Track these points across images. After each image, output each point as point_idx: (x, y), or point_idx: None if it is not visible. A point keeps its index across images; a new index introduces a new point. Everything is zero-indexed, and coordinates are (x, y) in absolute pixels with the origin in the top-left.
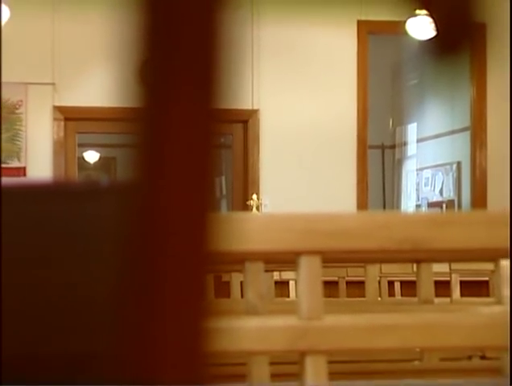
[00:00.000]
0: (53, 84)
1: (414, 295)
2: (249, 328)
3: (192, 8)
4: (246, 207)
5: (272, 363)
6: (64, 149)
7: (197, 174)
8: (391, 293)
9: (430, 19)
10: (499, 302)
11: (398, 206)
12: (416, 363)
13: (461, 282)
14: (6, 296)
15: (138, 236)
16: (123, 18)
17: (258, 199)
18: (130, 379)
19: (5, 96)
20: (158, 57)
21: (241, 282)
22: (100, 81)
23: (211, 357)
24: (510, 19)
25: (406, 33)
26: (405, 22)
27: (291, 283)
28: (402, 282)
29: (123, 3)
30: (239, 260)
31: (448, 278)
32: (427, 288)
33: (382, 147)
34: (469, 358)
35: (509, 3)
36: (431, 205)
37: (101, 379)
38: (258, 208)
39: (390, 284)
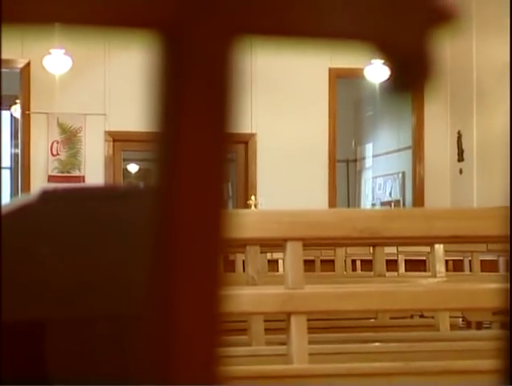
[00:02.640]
0: (104, 114)
1: (371, 270)
2: (249, 295)
3: (205, 46)
4: (247, 206)
5: (266, 321)
6: (112, 163)
7: (212, 180)
8: (354, 269)
9: (385, 66)
10: (434, 276)
11: (359, 204)
12: (372, 320)
13: (405, 261)
14: (66, 269)
15: (166, 227)
16: (153, 56)
17: (255, 199)
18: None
19: (68, 123)
20: (175, 87)
21: (243, 261)
22: (139, 111)
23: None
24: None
25: (364, 77)
26: (363, 69)
27: (280, 261)
28: (362, 261)
29: (152, 42)
30: (241, 245)
31: (396, 258)
32: (380, 265)
33: (347, 161)
34: (411, 317)
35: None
36: (383, 204)
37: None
38: (255, 206)
39: (353, 262)
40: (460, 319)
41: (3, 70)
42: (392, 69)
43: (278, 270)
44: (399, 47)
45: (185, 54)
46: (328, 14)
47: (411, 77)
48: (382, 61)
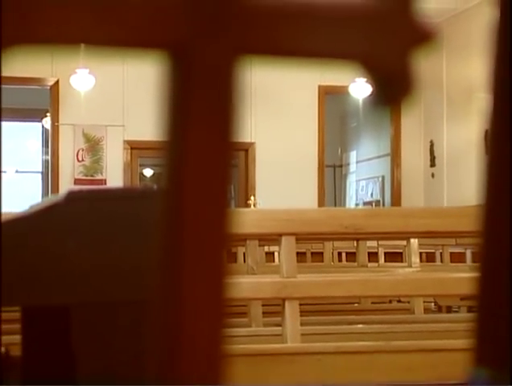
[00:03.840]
0: (123, 125)
1: (355, 261)
2: (249, 283)
3: (210, 64)
4: (247, 205)
5: (263, 305)
6: (130, 168)
7: (218, 183)
8: (340, 260)
9: (367, 84)
10: (409, 266)
11: (344, 204)
12: (356, 305)
13: (385, 253)
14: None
15: (177, 224)
16: (164, 74)
17: (254, 199)
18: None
19: (92, 133)
20: (183, 100)
21: (244, 253)
22: (153, 123)
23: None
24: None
25: (349, 93)
26: (348, 86)
27: (276, 254)
28: (347, 253)
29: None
30: (242, 239)
31: (377, 250)
32: (363, 257)
33: (334, 166)
34: (390, 302)
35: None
36: (365, 203)
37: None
38: (254, 205)
39: (339, 254)
40: (433, 304)
41: (36, 87)
42: (374, 86)
43: (274, 261)
44: (382, 66)
45: (193, 71)
46: (318, 36)
47: (393, 94)
48: (365, 79)
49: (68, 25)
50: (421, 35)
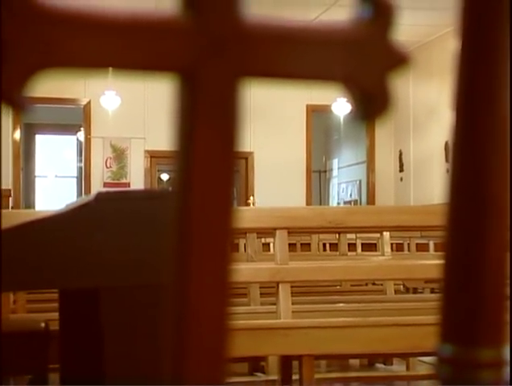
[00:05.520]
0: (144, 138)
1: (337, 251)
2: (249, 269)
3: (215, 84)
4: (247, 204)
5: (261, 287)
6: (149, 173)
7: (224, 185)
8: (324, 250)
9: (347, 103)
10: (382, 255)
11: (328, 203)
12: (338, 287)
13: (362, 244)
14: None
15: (189, 220)
16: (177, 93)
17: (253, 199)
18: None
19: (118, 144)
20: (193, 116)
21: (244, 244)
22: (169, 135)
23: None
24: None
25: (331, 111)
26: (331, 105)
27: (271, 244)
28: (330, 244)
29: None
30: (243, 232)
31: (355, 242)
32: (343, 247)
33: (319, 172)
34: (366, 284)
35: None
36: (345, 202)
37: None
38: (253, 204)
39: (324, 245)
40: (402, 286)
41: (72, 106)
42: (354, 104)
43: (269, 251)
44: (361, 87)
45: (199, 91)
46: (306, 60)
47: (370, 111)
48: (346, 98)
49: (92, 51)
50: (396, 60)
